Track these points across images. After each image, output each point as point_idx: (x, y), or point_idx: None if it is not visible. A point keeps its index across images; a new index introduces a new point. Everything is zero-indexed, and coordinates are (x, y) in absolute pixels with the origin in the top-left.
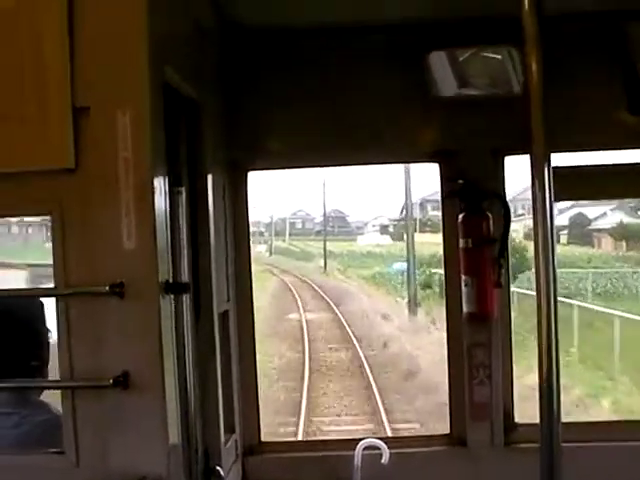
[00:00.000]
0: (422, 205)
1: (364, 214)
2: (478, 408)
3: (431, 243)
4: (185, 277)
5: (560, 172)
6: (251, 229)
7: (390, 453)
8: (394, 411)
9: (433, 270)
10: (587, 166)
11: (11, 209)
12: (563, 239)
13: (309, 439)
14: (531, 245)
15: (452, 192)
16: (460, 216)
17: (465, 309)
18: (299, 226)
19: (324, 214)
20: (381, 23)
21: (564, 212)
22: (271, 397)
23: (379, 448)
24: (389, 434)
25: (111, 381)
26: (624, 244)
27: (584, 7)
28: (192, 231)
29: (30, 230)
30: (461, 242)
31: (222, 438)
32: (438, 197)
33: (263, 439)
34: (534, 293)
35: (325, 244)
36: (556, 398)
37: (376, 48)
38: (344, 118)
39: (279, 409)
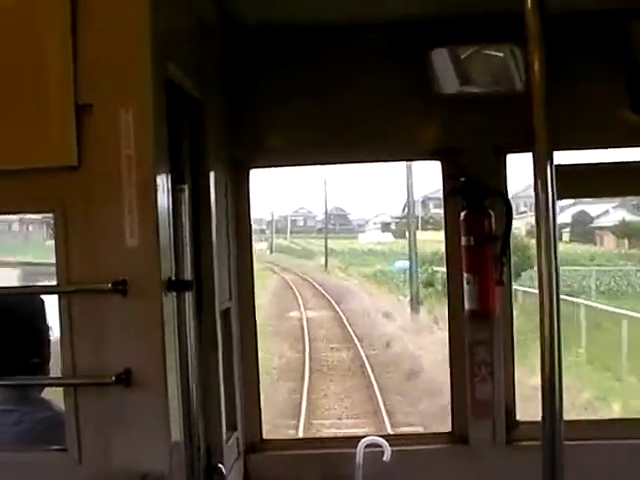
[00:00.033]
0: (424, 203)
1: (366, 212)
2: (480, 406)
3: (433, 241)
4: (188, 275)
5: (562, 170)
6: (253, 227)
7: (392, 451)
8: (396, 413)
9: (435, 268)
10: (589, 164)
11: (14, 206)
12: (565, 237)
13: (311, 436)
14: (533, 243)
15: (454, 190)
16: (462, 214)
17: (467, 306)
18: (300, 224)
19: (325, 212)
20: (383, 20)
21: (566, 210)
22: (271, 398)
23: (381, 446)
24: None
25: (113, 378)
26: (626, 242)
27: (587, 5)
28: (194, 229)
29: (31, 228)
30: (463, 240)
31: (224, 436)
32: (440, 195)
33: (265, 437)
34: (537, 291)
35: (326, 242)
36: (558, 396)
37: (378, 45)
38: (346, 116)
39: (278, 411)
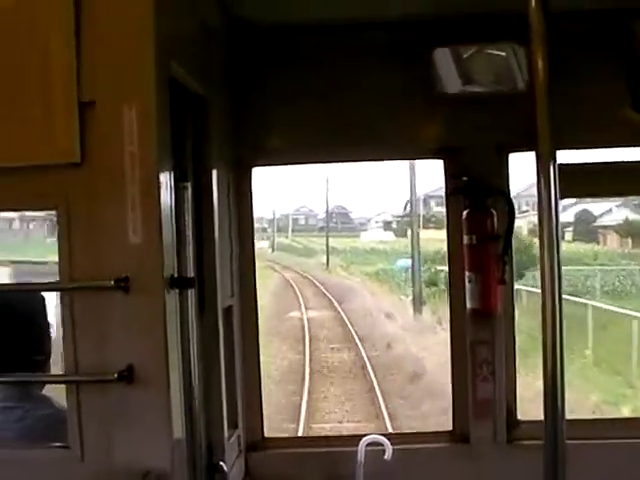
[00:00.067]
0: (425, 201)
1: (367, 210)
2: (481, 405)
3: (435, 239)
4: (190, 272)
5: (565, 169)
6: (255, 225)
7: (393, 449)
8: (398, 417)
9: (439, 267)
10: (592, 163)
11: (17, 203)
12: (568, 236)
13: (312, 435)
14: (537, 242)
15: (456, 189)
16: (464, 213)
17: (469, 305)
18: (302, 222)
19: (327, 210)
20: (386, 20)
21: (569, 209)
22: (271, 400)
23: (382, 444)
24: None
25: (116, 375)
26: (630, 241)
27: (590, 5)
28: (197, 226)
29: (31, 226)
30: (465, 239)
31: (226, 433)
32: (442, 193)
33: (266, 435)
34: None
35: (327, 240)
36: (560, 395)
37: (381, 45)
38: (349, 115)
39: (277, 414)
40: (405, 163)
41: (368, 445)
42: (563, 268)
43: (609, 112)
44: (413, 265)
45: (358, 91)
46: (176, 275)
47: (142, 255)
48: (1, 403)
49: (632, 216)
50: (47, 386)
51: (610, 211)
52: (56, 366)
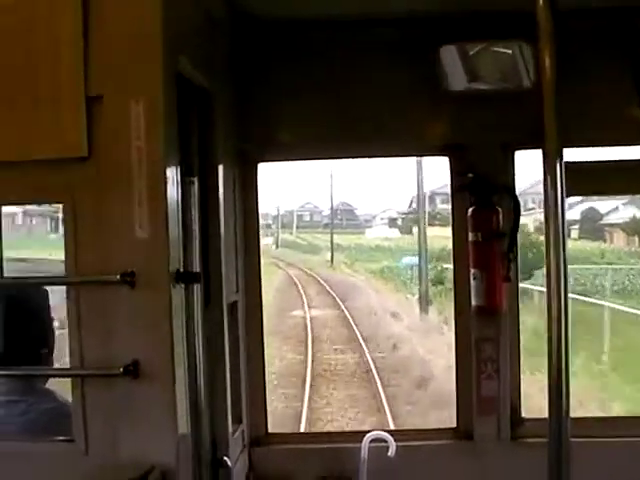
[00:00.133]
0: (431, 198)
1: (372, 207)
2: (485, 402)
3: (440, 237)
4: (196, 267)
5: (572, 167)
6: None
7: (396, 446)
8: (406, 426)
9: (445, 265)
10: (599, 162)
11: (24, 197)
12: (574, 234)
13: (316, 431)
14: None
15: (462, 186)
16: (470, 210)
17: (474, 303)
18: (307, 219)
19: (331, 207)
20: (392, 16)
21: (575, 206)
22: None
23: (386, 441)
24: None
25: (121, 370)
26: (636, 239)
27: (597, 3)
28: (203, 221)
29: (34, 221)
30: (470, 236)
31: (230, 428)
32: (447, 190)
33: (270, 430)
34: None
35: (332, 237)
36: (565, 393)
37: (387, 41)
38: (354, 111)
39: (276, 421)
40: (412, 160)
41: (372, 441)
42: (571, 266)
43: (616, 110)
44: (420, 263)
45: (364, 87)
46: (182, 270)
47: (148, 250)
48: (5, 397)
49: (639, 214)
50: (50, 380)
51: (617, 209)
52: (62, 360)
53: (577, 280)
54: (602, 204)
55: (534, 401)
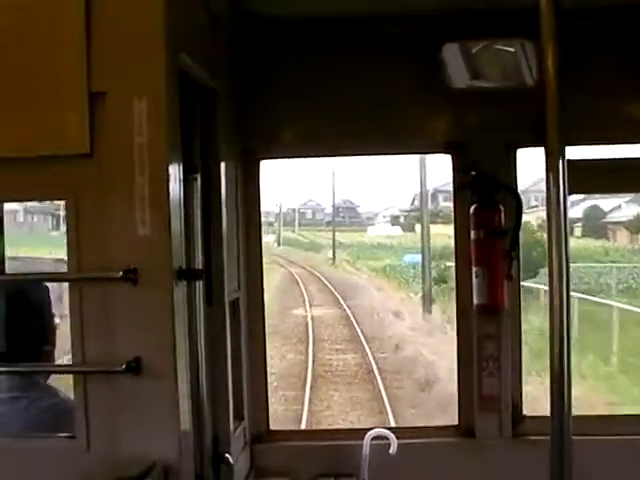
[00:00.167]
0: (434, 196)
1: (374, 205)
2: (487, 400)
3: (443, 235)
4: (198, 264)
5: (574, 165)
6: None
7: (398, 443)
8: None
9: (448, 263)
10: (601, 160)
11: (26, 194)
12: (577, 232)
13: (317, 428)
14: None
15: (464, 183)
16: (472, 208)
17: (476, 301)
18: (309, 216)
19: (333, 204)
20: (395, 14)
21: (578, 204)
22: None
23: (387, 438)
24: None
25: (123, 366)
26: None
27: (600, 2)
28: (205, 218)
29: (35, 218)
30: (473, 233)
31: (231, 425)
32: (449, 188)
33: (271, 427)
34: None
35: (334, 235)
36: (567, 390)
37: (389, 39)
38: (356, 109)
39: (276, 424)
40: (415, 157)
41: (373, 439)
42: (575, 265)
43: (618, 109)
44: (423, 262)
45: (366, 85)
46: (184, 267)
47: (151, 247)
48: (7, 393)
49: None
50: (52, 376)
51: (620, 207)
52: (65, 356)
53: (581, 279)
54: (605, 202)
55: (540, 404)
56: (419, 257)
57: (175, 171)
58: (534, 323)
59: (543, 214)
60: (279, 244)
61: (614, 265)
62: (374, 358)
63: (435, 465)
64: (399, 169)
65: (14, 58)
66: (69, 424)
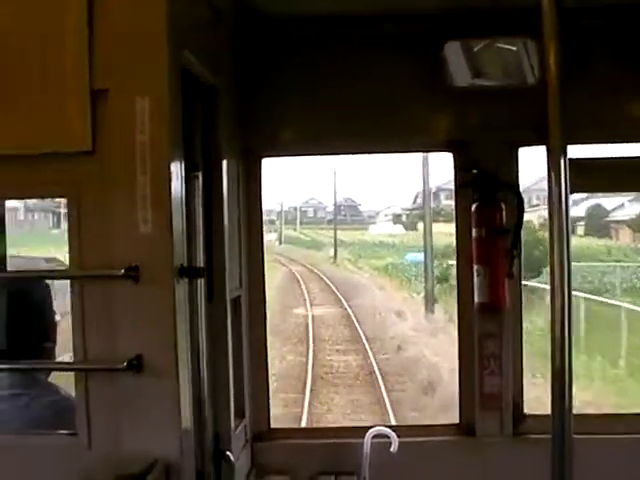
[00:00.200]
0: (436, 194)
1: (376, 203)
2: (488, 398)
3: (445, 233)
4: (200, 262)
5: (576, 164)
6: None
7: (399, 442)
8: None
9: (450, 262)
10: (604, 158)
11: (28, 191)
12: (580, 231)
13: (318, 426)
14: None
15: (466, 182)
16: (474, 206)
17: (477, 299)
18: (310, 215)
19: (334, 203)
20: (396, 12)
21: (581, 203)
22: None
23: (388, 436)
24: None
25: (125, 364)
26: None
27: (602, 0)
28: (206, 216)
29: (36, 216)
30: (474, 232)
31: (232, 423)
32: (451, 186)
33: (272, 425)
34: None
35: (335, 233)
36: (568, 389)
37: (391, 37)
38: (358, 107)
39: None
40: (417, 155)
41: (374, 437)
42: (578, 264)
43: (621, 107)
44: (425, 261)
45: (368, 83)
46: (186, 265)
47: (152, 244)
48: (8, 390)
49: None
50: (52, 374)
51: (622, 206)
52: (66, 354)
53: (585, 278)
54: (608, 201)
55: (544, 406)
56: (421, 255)
57: (177, 169)
58: (538, 323)
59: (545, 213)
60: (280, 242)
61: (618, 264)
62: (376, 359)
63: (436, 463)
64: (401, 167)
65: (16, 56)
66: (70, 421)
